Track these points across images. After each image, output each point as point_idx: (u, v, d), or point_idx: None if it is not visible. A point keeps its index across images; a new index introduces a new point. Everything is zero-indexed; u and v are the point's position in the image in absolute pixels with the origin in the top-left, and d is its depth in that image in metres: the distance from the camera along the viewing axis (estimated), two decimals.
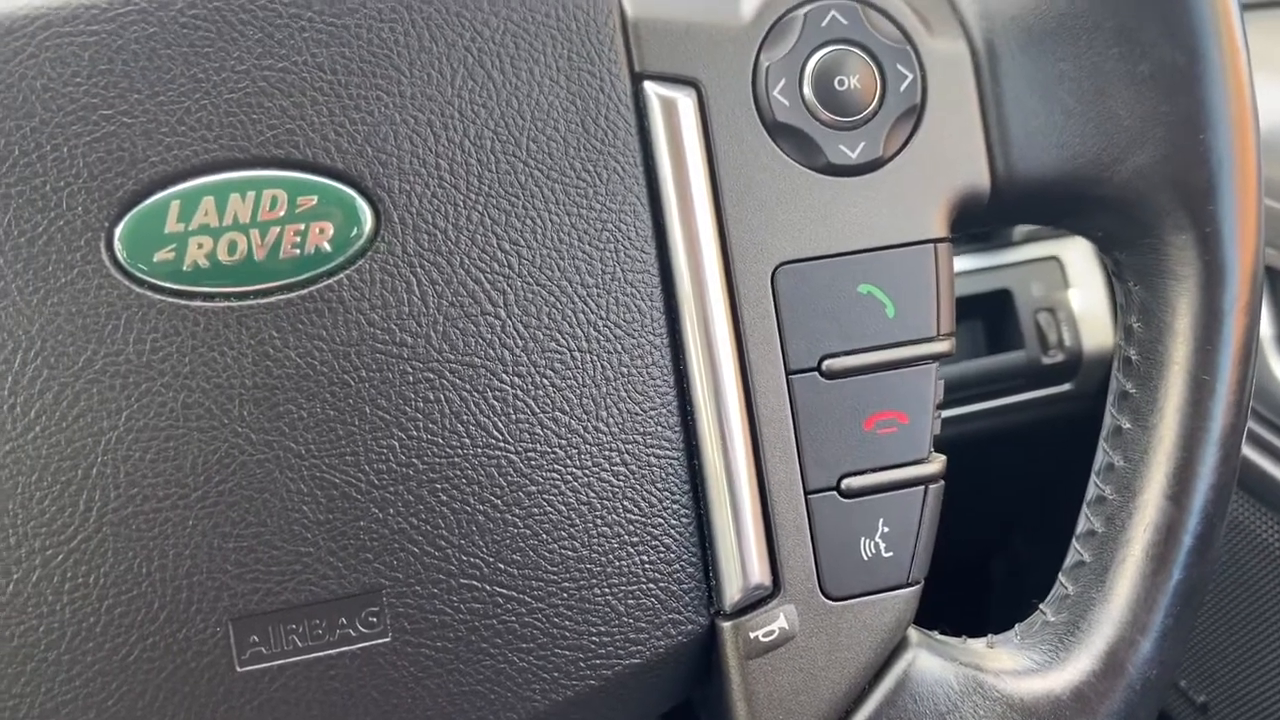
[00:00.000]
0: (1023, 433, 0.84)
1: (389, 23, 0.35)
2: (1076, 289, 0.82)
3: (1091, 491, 0.42)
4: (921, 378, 0.39)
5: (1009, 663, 0.40)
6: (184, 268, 0.34)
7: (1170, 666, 0.40)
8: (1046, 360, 0.81)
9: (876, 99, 0.38)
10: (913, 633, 0.40)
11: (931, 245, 0.39)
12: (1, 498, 0.34)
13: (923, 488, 0.39)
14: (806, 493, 0.38)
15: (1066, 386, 0.82)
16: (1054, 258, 0.82)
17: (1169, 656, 0.40)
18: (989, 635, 0.42)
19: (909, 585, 0.39)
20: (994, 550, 1.08)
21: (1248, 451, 0.76)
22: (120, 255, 0.34)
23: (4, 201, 0.33)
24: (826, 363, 0.38)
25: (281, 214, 0.35)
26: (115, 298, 0.34)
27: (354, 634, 0.36)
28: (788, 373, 0.38)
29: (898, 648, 0.39)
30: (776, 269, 0.38)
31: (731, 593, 0.38)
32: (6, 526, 0.34)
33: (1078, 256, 0.82)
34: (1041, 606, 0.42)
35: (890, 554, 0.39)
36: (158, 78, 0.34)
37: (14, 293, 0.33)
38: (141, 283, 0.34)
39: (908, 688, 0.39)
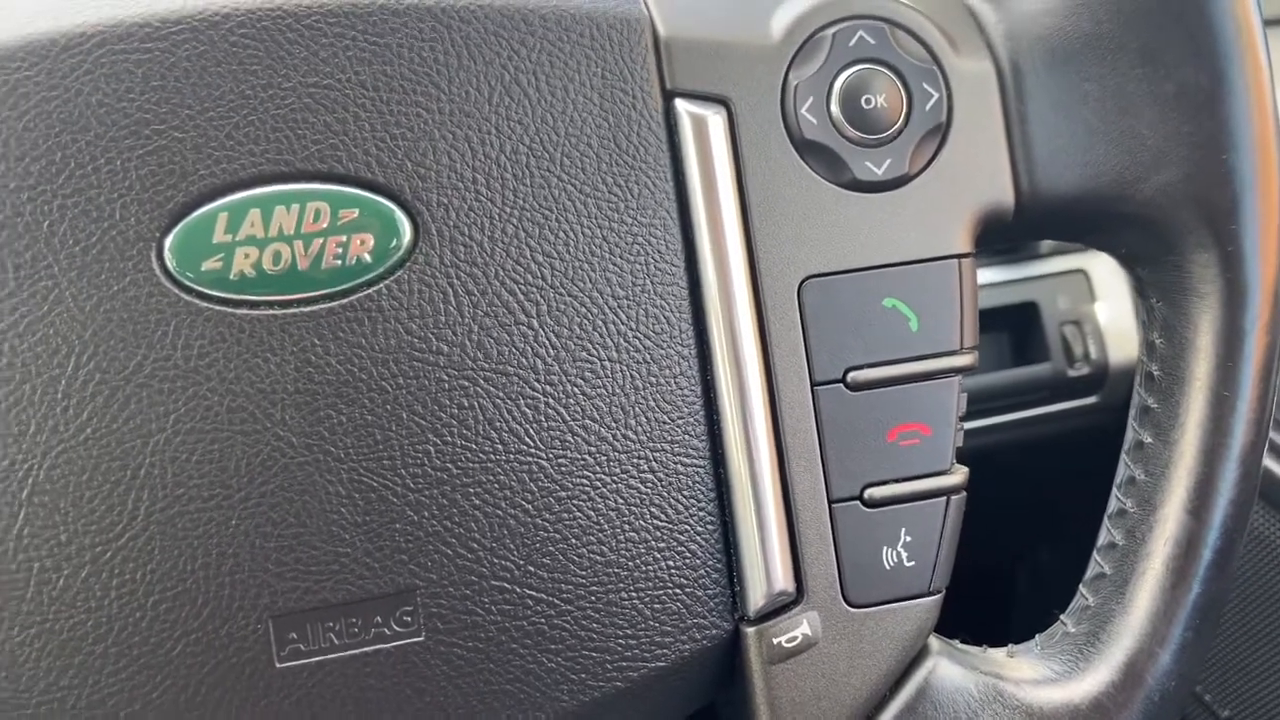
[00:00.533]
0: (1048, 444, 0.84)
1: (429, 42, 0.37)
2: (1103, 302, 0.82)
3: (1113, 504, 0.42)
4: (944, 390, 0.40)
5: (1029, 672, 0.40)
6: (230, 277, 0.35)
7: (1189, 679, 0.40)
8: (1072, 373, 0.81)
9: (903, 117, 0.39)
10: (934, 641, 0.41)
11: (955, 260, 0.40)
12: (54, 496, 0.35)
13: (945, 499, 0.40)
14: (830, 502, 0.39)
15: (1092, 399, 0.82)
16: (1081, 270, 0.82)
17: (1187, 669, 0.40)
18: (1009, 644, 0.42)
19: (930, 594, 0.40)
20: (1017, 560, 1.08)
21: (1271, 464, 0.76)
22: (170, 264, 0.35)
23: (60, 212, 0.35)
24: (851, 375, 0.39)
25: (324, 226, 0.36)
26: (165, 305, 0.35)
27: (389, 633, 0.37)
28: (813, 384, 0.39)
29: (918, 656, 0.40)
30: (802, 282, 0.39)
31: (756, 599, 0.38)
32: (58, 524, 0.35)
33: (1104, 270, 0.82)
34: (1062, 617, 0.42)
35: (912, 563, 0.39)
36: (207, 94, 0.35)
37: (68, 299, 0.35)
38: (190, 291, 0.35)
39: (928, 695, 0.40)
